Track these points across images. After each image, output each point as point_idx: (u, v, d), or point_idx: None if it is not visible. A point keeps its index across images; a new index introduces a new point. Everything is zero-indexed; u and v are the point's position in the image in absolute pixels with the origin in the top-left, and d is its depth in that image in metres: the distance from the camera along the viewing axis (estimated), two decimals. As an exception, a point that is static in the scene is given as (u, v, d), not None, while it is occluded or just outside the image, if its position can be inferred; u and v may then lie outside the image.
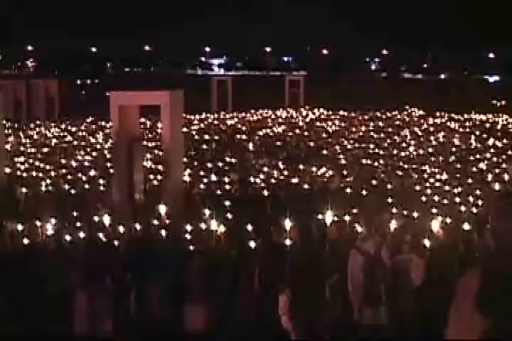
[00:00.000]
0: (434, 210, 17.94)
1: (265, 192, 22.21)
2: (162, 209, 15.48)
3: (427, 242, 11.40)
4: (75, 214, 18.07)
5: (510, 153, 34.74)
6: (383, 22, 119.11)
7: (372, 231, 10.99)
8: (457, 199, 20.98)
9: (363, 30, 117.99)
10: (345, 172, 27.17)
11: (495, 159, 32.46)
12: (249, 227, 14.20)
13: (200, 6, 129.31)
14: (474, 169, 29.00)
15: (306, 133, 43.31)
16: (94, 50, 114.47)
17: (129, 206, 19.66)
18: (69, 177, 26.83)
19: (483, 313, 3.89)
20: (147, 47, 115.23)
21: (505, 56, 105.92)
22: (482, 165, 29.96)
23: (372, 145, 37.32)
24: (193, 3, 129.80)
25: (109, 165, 26.07)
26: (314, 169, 28.29)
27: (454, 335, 4.04)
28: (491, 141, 39.32)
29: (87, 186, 24.57)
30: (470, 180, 25.67)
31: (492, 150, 35.83)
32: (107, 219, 14.45)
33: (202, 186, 24.12)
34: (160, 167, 23.91)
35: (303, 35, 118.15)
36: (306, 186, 24.10)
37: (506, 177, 26.69)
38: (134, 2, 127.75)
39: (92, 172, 26.87)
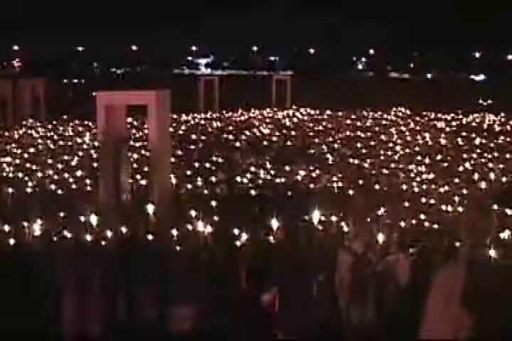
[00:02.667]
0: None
1: (252, 192, 22.22)
2: (150, 208, 15.44)
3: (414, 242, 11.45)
4: (62, 214, 18.01)
5: (496, 152, 34.88)
6: (370, 21, 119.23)
7: (360, 231, 11.03)
8: (444, 198, 21.07)
9: (350, 29, 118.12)
10: (332, 172, 27.20)
11: (481, 158, 32.59)
12: (236, 227, 14.19)
13: (187, 6, 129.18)
14: (461, 168, 29.09)
15: (293, 133, 43.33)
16: (80, 49, 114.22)
17: (116, 206, 19.61)
18: (56, 177, 26.76)
19: (467, 309, 3.92)
20: (134, 47, 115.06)
21: (492, 55, 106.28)
22: (468, 165, 30.07)
23: (359, 145, 37.37)
24: (180, 3, 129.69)
25: (95, 165, 26.00)
26: (301, 168, 28.29)
27: (431, 329, 4.07)
28: (477, 140, 39.47)
29: (74, 186, 24.51)
30: (456, 180, 25.75)
31: (478, 150, 35.96)
32: (94, 220, 14.40)
33: (189, 186, 24.10)
34: (147, 167, 23.88)
35: (290, 35, 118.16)
36: (293, 185, 24.12)
37: (492, 176, 26.80)
38: (120, 2, 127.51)
39: (79, 173, 26.80)
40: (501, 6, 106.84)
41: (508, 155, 33.37)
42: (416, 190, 23.71)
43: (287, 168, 28.49)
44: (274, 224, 12.13)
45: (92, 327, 11.08)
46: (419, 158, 32.50)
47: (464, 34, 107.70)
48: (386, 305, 10.44)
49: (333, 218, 15.32)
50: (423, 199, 21.09)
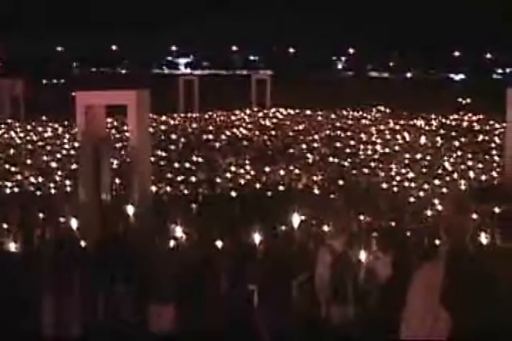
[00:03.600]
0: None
1: (232, 192, 22.22)
2: (130, 209, 15.39)
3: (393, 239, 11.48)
4: (41, 215, 17.94)
5: (475, 150, 35.07)
6: (350, 21, 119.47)
7: (340, 229, 11.06)
8: (423, 196, 21.15)
9: (330, 29, 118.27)
10: (312, 171, 27.25)
11: (460, 157, 32.76)
12: (217, 227, 14.18)
13: (167, 6, 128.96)
14: (440, 167, 29.23)
15: (273, 133, 43.35)
16: (60, 49, 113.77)
17: (96, 207, 19.54)
18: (34, 178, 26.65)
19: (446, 308, 3.94)
20: (114, 47, 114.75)
21: (471, 54, 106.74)
22: (448, 164, 30.21)
23: (339, 144, 37.45)
24: (160, 3, 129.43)
25: (75, 166, 25.90)
26: (281, 168, 28.33)
27: (411, 327, 4.09)
28: (456, 139, 39.65)
29: (53, 187, 24.43)
30: (436, 179, 25.86)
31: (458, 148, 36.15)
32: (74, 223, 14.33)
33: (169, 186, 24.07)
34: (127, 167, 23.79)
35: (269, 34, 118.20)
36: (273, 185, 24.14)
37: (472, 174, 26.95)
38: (100, 2, 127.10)
39: (59, 173, 26.71)
40: (479, 6, 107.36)
41: (487, 154, 33.57)
42: (396, 188, 23.79)
43: (267, 168, 28.50)
44: (255, 224, 12.14)
45: (71, 327, 11.05)
46: (398, 157, 32.62)
47: (443, 33, 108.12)
48: (366, 304, 10.47)
49: (314, 217, 15.34)
50: (403, 198, 21.16)
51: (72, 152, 33.05)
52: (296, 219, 12.82)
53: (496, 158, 31.63)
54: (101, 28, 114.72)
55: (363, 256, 10.76)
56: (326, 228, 13.72)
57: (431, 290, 4.08)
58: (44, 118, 50.88)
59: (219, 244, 12.10)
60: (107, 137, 23.71)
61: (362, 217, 16.33)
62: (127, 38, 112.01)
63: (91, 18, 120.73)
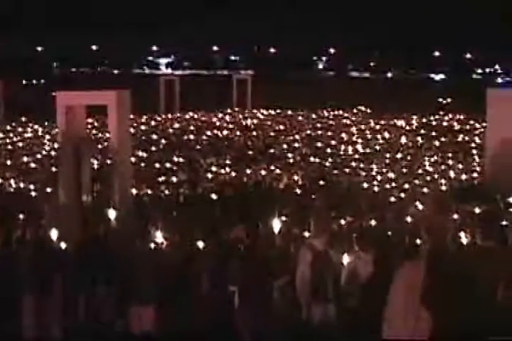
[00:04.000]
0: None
1: (213, 192, 22.19)
2: (110, 211, 15.33)
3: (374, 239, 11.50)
4: (21, 216, 17.86)
5: (456, 150, 35.21)
6: (331, 21, 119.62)
7: (321, 228, 11.06)
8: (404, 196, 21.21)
9: (311, 28, 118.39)
10: (293, 171, 27.27)
11: (441, 157, 32.88)
12: (198, 228, 14.16)
13: (148, 6, 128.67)
14: (421, 167, 29.32)
15: (253, 133, 43.34)
16: (40, 49, 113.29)
17: (77, 207, 19.47)
18: (14, 179, 26.52)
19: (427, 307, 3.94)
20: (94, 47, 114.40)
21: (451, 55, 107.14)
22: (428, 163, 30.32)
23: (319, 144, 37.49)
24: (141, 3, 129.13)
25: (55, 166, 25.79)
26: (262, 168, 28.33)
27: (394, 327, 4.09)
28: (437, 139, 39.79)
29: (33, 187, 24.32)
30: (416, 178, 25.94)
31: (438, 148, 36.27)
32: (54, 224, 14.21)
33: (150, 186, 24.00)
34: (107, 167, 23.73)
35: (250, 34, 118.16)
36: (254, 185, 24.12)
37: (452, 174, 27.04)
38: (80, 1, 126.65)
39: (39, 174, 26.60)
40: (459, 6, 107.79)
41: (467, 154, 33.71)
42: (376, 188, 23.84)
43: (248, 168, 28.50)
44: (236, 224, 12.14)
45: (52, 329, 11.00)
46: (379, 156, 32.70)
47: (423, 34, 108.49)
48: (347, 303, 10.47)
49: (295, 217, 15.36)
50: (384, 197, 21.21)
51: (53, 152, 32.91)
52: (277, 220, 12.83)
53: (476, 158, 31.75)
54: (81, 27, 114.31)
55: (344, 255, 10.77)
56: (307, 227, 13.74)
57: (412, 289, 4.08)
58: (24, 118, 50.62)
59: (200, 244, 12.08)
60: (87, 137, 23.65)
61: (343, 217, 16.36)
62: (108, 37, 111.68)
63: (71, 17, 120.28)
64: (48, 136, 40.24)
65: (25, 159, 32.34)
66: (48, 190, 23.54)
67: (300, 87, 78.70)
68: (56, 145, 30.15)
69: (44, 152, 34.59)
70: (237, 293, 10.30)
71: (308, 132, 43.98)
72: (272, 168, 28.48)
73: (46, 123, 45.36)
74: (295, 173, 26.92)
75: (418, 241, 12.91)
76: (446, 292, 4.05)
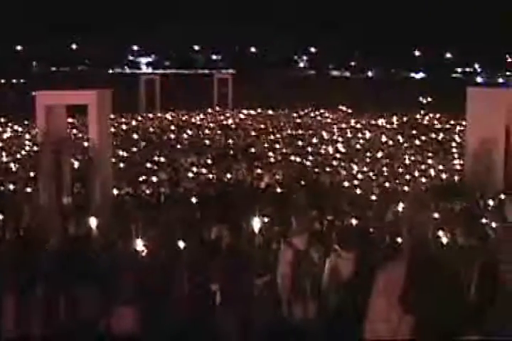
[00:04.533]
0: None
1: (194, 191, 22.18)
2: (92, 221, 15.12)
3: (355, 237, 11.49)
4: (0, 217, 17.75)
5: (436, 149, 35.36)
6: (312, 20, 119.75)
7: (302, 227, 11.07)
8: (385, 194, 21.25)
9: (292, 28, 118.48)
10: (274, 170, 27.27)
11: (421, 155, 33.01)
12: (179, 227, 14.13)
13: (127, 5, 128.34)
14: (401, 165, 29.42)
15: (234, 132, 43.35)
16: (19, 48, 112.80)
17: (57, 207, 19.39)
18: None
19: (406, 309, 3.94)
20: (74, 46, 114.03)
21: (431, 54, 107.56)
22: (409, 162, 30.43)
23: (300, 143, 37.55)
24: (119, 2, 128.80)
25: (35, 167, 25.66)
26: (243, 167, 28.33)
27: (375, 328, 4.08)
28: (417, 138, 39.95)
29: (13, 187, 24.20)
30: (397, 177, 26.02)
31: (419, 147, 36.42)
32: (35, 224, 14.11)
33: (131, 186, 23.94)
34: (88, 167, 23.64)
35: (231, 33, 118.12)
36: (235, 184, 24.12)
37: (432, 172, 27.15)
38: (60, 1, 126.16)
39: (20, 174, 26.47)
40: (440, 5, 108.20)
41: (448, 152, 33.85)
42: (357, 187, 23.87)
43: (229, 167, 28.48)
44: (217, 223, 12.12)
45: (32, 329, 10.95)
46: (360, 155, 32.78)
47: (403, 33, 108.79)
48: (328, 303, 10.48)
49: (276, 215, 15.35)
50: (364, 196, 21.25)
51: (33, 153, 32.75)
52: (258, 219, 12.82)
53: (457, 156, 31.89)
54: (61, 27, 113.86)
55: (325, 253, 10.77)
56: (288, 226, 13.72)
57: (394, 290, 4.08)
58: (2, 119, 50.39)
59: (181, 244, 12.05)
60: (67, 137, 23.56)
61: (324, 216, 16.37)
62: (88, 36, 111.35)
63: (50, 17, 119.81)
64: (27, 136, 40.05)
65: (4, 159, 32.17)
66: (29, 189, 23.44)
67: (281, 86, 78.74)
68: (36, 146, 30.01)
69: (24, 152, 34.41)
70: (219, 292, 10.30)
71: (289, 131, 44.04)
72: (253, 167, 28.48)
73: (26, 123, 45.17)
74: (276, 173, 26.93)
75: (399, 240, 12.95)
76: (426, 291, 4.05)
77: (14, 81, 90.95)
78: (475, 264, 7.30)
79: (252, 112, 56.92)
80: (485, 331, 4.29)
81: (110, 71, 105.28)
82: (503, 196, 17.46)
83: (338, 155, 33.23)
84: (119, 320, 10.78)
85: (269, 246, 12.26)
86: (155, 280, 11.25)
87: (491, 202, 17.59)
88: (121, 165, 28.75)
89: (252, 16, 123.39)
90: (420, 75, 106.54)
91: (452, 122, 47.58)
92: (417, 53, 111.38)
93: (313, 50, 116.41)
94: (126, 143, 36.96)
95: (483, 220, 13.66)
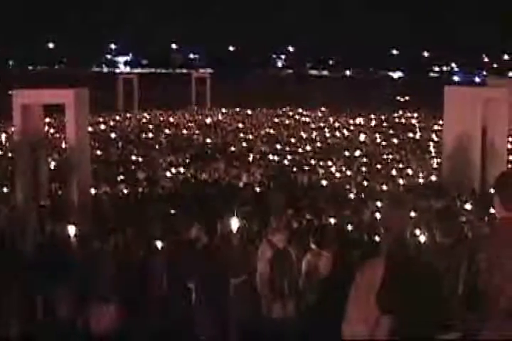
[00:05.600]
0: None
1: (172, 190, 22.14)
2: (71, 230, 15.01)
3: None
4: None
5: (414, 147, 35.50)
6: (291, 19, 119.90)
7: (281, 226, 11.07)
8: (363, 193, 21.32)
9: (271, 27, 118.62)
10: (252, 170, 27.26)
11: (399, 154, 33.12)
12: (156, 226, 14.10)
13: (105, 2, 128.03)
14: (379, 164, 29.49)
15: (212, 131, 43.32)
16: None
17: (34, 207, 19.28)
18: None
19: (383, 310, 3.93)
20: (51, 45, 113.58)
21: (408, 53, 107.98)
22: (386, 160, 30.53)
23: (278, 142, 37.55)
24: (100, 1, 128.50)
25: (12, 166, 25.50)
26: (221, 166, 28.29)
27: (354, 328, 4.07)
28: (395, 136, 40.09)
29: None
30: (375, 176, 26.09)
31: (396, 145, 36.55)
32: (13, 224, 14.03)
33: (108, 185, 23.84)
34: (66, 167, 23.52)
35: (209, 32, 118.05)
36: (213, 183, 24.08)
37: (410, 171, 27.23)
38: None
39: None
40: (417, 5, 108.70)
41: (425, 151, 33.99)
42: (335, 185, 23.91)
43: (207, 166, 28.43)
44: (195, 222, 12.10)
45: (10, 328, 10.89)
46: (338, 154, 32.83)
47: (381, 32, 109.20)
48: (307, 302, 10.48)
49: (254, 214, 15.35)
50: (343, 195, 21.28)
51: (9, 153, 32.53)
52: (236, 218, 12.81)
53: (434, 155, 32.01)
54: (38, 25, 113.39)
55: (303, 252, 10.78)
56: (266, 225, 13.73)
57: (373, 290, 4.07)
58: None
59: (158, 243, 12.03)
60: (44, 137, 23.44)
61: (302, 214, 16.38)
62: (66, 35, 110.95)
63: (27, 15, 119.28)
64: (3, 136, 39.78)
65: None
66: (5, 190, 23.29)
67: (259, 85, 78.81)
68: (12, 145, 29.83)
69: (0, 151, 34.19)
70: (195, 291, 10.29)
71: (267, 130, 44.07)
72: (232, 166, 28.46)
73: (2, 122, 44.85)
74: (254, 172, 26.92)
75: (377, 239, 12.98)
76: (404, 291, 4.04)
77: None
78: (453, 262, 7.32)
79: (231, 111, 56.95)
80: (466, 329, 4.29)
81: (88, 70, 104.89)
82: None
83: (316, 154, 33.26)
84: (98, 318, 10.73)
85: (247, 245, 12.25)
86: (133, 278, 11.23)
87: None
88: (99, 164, 28.61)
89: (232, 15, 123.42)
90: (398, 74, 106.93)
91: (429, 121, 47.79)
92: (394, 52, 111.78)
93: (291, 49, 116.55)
94: (104, 143, 36.83)
95: (462, 219, 13.73)
